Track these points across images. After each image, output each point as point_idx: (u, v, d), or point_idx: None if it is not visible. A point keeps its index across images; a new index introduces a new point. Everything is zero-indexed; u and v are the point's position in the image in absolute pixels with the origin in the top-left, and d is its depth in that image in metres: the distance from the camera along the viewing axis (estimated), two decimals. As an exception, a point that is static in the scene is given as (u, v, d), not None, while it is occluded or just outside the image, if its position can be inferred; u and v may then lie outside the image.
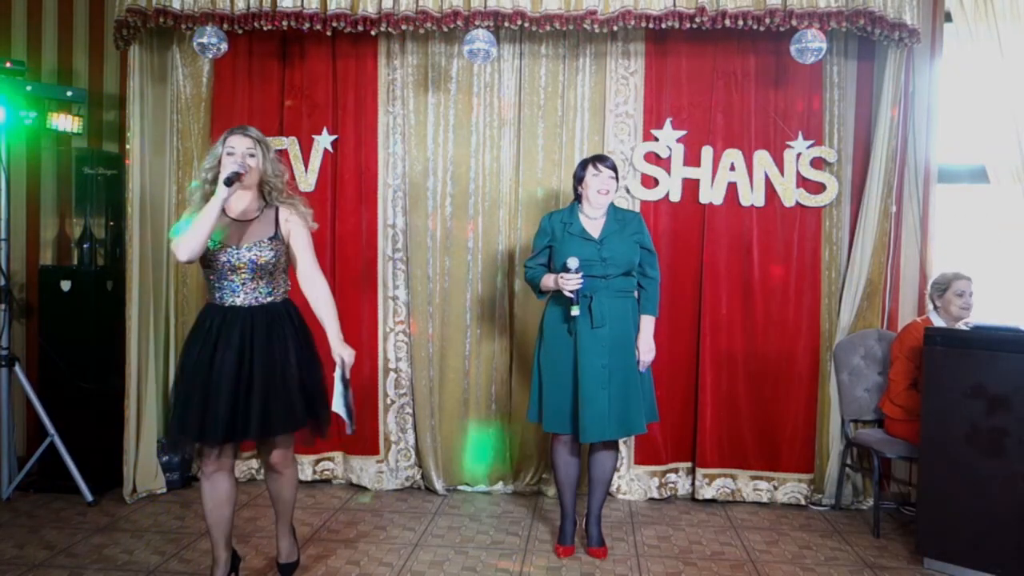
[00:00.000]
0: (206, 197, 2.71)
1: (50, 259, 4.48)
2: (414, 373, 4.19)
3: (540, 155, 4.10)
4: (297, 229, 2.82)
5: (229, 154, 2.71)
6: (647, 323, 3.31)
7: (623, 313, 3.23)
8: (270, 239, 2.76)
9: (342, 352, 2.75)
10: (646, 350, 3.28)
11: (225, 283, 2.74)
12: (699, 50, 4.00)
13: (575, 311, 3.14)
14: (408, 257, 4.18)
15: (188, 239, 2.62)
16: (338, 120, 4.19)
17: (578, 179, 3.33)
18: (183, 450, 2.83)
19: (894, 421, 3.69)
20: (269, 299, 2.79)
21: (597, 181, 3.25)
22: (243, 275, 2.74)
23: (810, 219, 3.97)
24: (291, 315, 2.83)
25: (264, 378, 2.71)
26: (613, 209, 3.35)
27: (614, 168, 3.29)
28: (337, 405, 2.74)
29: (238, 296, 2.75)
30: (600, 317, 3.16)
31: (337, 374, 2.76)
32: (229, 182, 2.64)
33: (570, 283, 3.11)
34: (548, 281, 3.25)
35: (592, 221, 3.30)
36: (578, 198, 3.36)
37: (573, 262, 3.12)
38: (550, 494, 4.05)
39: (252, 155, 2.74)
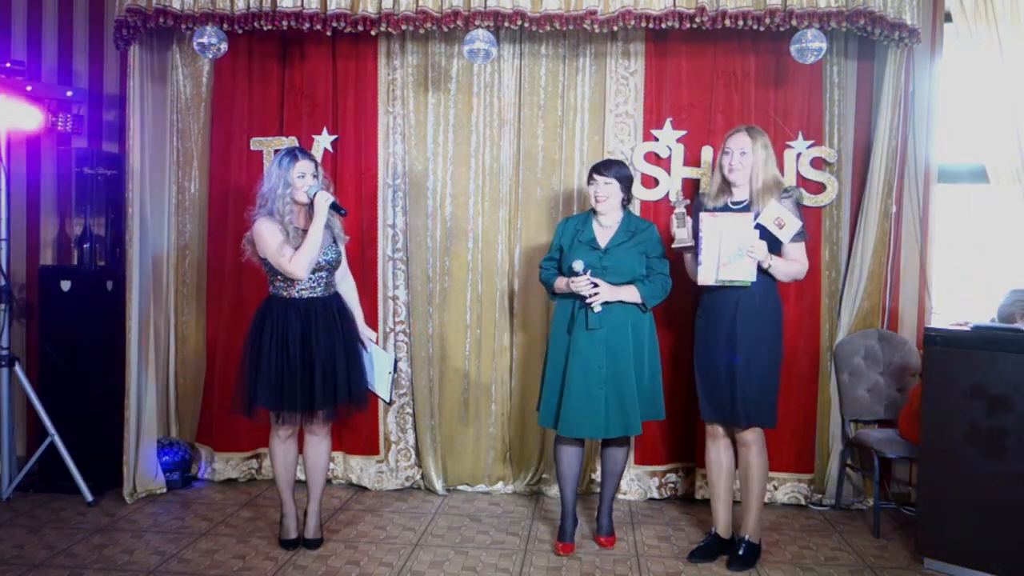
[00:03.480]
0: (300, 217, 3.24)
1: (50, 259, 4.48)
2: (414, 373, 4.19)
3: (540, 155, 4.10)
4: (340, 235, 3.38)
5: (300, 177, 3.18)
6: (632, 288, 3.28)
7: (623, 318, 3.27)
8: (333, 242, 3.30)
9: (369, 333, 3.48)
10: (606, 287, 3.22)
11: (292, 280, 3.20)
12: (699, 50, 4.00)
13: (597, 308, 3.21)
14: (408, 257, 4.18)
15: (308, 259, 3.13)
16: (338, 120, 4.19)
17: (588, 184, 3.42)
18: (247, 413, 3.28)
19: (913, 421, 3.60)
20: (326, 292, 3.29)
21: (592, 189, 3.36)
22: (319, 273, 3.23)
23: (810, 219, 3.95)
24: (342, 306, 3.34)
25: (328, 357, 3.21)
26: (628, 218, 3.38)
27: (618, 176, 3.32)
28: (378, 383, 3.42)
29: (305, 291, 3.23)
30: (597, 320, 3.21)
31: (381, 353, 3.49)
32: (336, 207, 3.20)
33: (579, 285, 3.20)
34: (560, 284, 3.35)
35: (604, 229, 3.37)
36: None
37: (578, 265, 3.21)
38: (550, 494, 4.05)
39: (315, 175, 3.23)
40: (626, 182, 3.35)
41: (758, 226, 3.11)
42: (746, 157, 3.16)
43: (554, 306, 3.50)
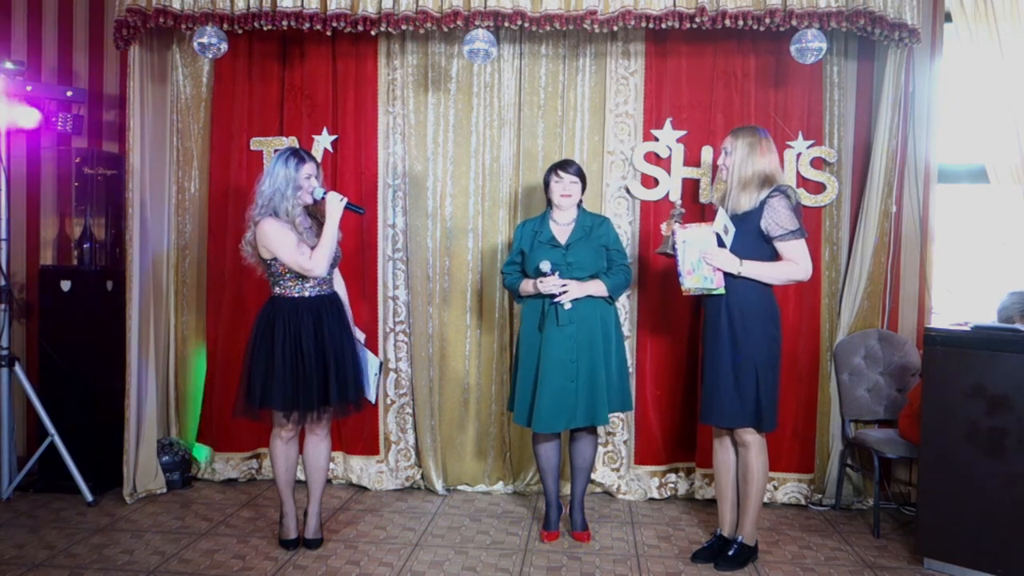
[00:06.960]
0: (308, 216, 3.25)
1: (50, 259, 4.47)
2: (414, 373, 4.19)
3: (540, 155, 4.11)
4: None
5: (307, 178, 3.19)
6: (598, 282, 3.37)
7: (591, 312, 3.36)
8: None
9: (358, 334, 3.45)
10: (575, 284, 3.31)
11: (301, 280, 3.21)
12: (699, 50, 4.00)
13: (568, 305, 3.31)
14: (408, 257, 4.18)
15: (328, 257, 3.16)
16: (338, 120, 4.19)
17: (545, 184, 3.50)
18: (254, 416, 3.28)
19: (913, 421, 3.60)
20: (330, 290, 3.31)
21: (559, 187, 3.43)
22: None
23: (810, 219, 3.95)
24: (340, 304, 3.35)
25: (336, 355, 3.22)
26: (582, 214, 3.49)
27: (579, 174, 3.44)
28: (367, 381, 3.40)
29: (314, 289, 3.23)
30: (567, 317, 3.31)
31: (370, 355, 3.44)
32: (353, 207, 3.22)
33: (548, 285, 3.29)
34: (527, 286, 3.43)
35: (561, 227, 3.46)
36: (549, 203, 3.51)
37: (546, 265, 3.31)
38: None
39: (317, 177, 3.24)
40: (584, 181, 3.47)
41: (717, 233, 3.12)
42: (729, 158, 3.18)
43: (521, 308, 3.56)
